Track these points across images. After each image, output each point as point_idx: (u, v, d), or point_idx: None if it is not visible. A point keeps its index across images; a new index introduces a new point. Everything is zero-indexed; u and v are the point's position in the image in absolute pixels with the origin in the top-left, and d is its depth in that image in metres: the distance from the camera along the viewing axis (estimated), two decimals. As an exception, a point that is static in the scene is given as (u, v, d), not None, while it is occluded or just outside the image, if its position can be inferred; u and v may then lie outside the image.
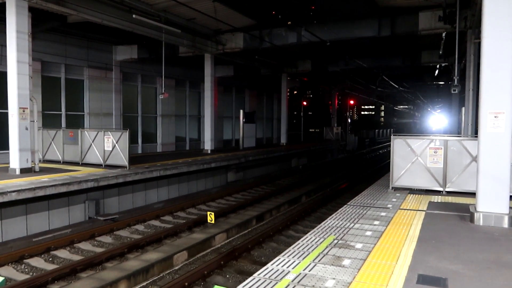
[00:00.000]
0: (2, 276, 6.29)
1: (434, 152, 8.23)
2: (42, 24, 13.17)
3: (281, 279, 3.86)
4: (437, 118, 53.78)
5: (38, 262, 7.31)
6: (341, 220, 6.14)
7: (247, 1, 13.54)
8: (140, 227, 9.79)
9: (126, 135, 11.79)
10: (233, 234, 9.38)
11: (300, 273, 3.99)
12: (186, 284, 6.22)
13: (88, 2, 11.49)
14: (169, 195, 13.37)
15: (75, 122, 16.27)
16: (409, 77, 30.16)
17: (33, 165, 10.87)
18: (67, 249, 8.06)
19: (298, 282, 3.79)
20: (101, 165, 12.25)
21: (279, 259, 4.43)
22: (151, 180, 12.39)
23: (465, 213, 6.29)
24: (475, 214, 5.86)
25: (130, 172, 11.33)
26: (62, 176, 10.32)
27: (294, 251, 4.68)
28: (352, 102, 43.55)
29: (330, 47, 16.67)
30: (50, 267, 7.06)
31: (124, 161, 11.89)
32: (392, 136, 8.70)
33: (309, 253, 4.60)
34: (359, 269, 4.10)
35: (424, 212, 6.62)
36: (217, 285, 6.07)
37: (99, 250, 7.99)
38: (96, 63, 17.03)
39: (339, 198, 13.85)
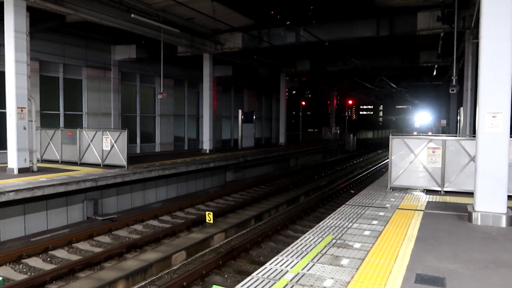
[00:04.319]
0: (0, 276, 6.29)
1: (432, 152, 8.24)
2: (40, 24, 13.14)
3: (279, 278, 3.86)
4: (422, 115, 52.92)
5: (36, 262, 7.30)
6: (339, 220, 6.15)
7: (246, 1, 13.54)
8: (138, 227, 9.78)
9: (124, 135, 11.77)
10: (232, 234, 9.38)
11: (298, 273, 3.99)
12: (185, 284, 6.21)
13: (86, 1, 11.47)
14: (167, 195, 13.36)
15: (74, 122, 16.25)
16: (407, 77, 30.21)
17: (31, 165, 10.85)
18: (65, 249, 8.05)
19: (297, 281, 3.79)
20: (100, 165, 12.23)
21: (278, 258, 4.43)
22: (150, 180, 12.38)
23: (463, 213, 6.30)
24: (473, 213, 5.87)
25: (129, 172, 11.32)
26: (60, 176, 10.31)
27: (293, 251, 4.68)
28: (350, 102, 43.66)
29: (329, 47, 16.69)
30: (48, 267, 7.05)
31: (123, 161, 11.87)
32: (390, 136, 8.71)
33: (307, 253, 4.60)
34: (357, 269, 4.10)
35: (422, 212, 6.63)
36: (216, 285, 6.08)
37: (98, 250, 7.98)
38: (95, 62, 17.01)
39: (337, 198, 13.85)
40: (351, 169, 22.06)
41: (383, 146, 38.08)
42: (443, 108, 32.22)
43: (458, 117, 15.64)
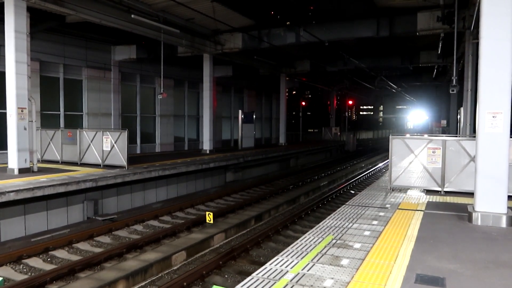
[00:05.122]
0: (0, 276, 6.29)
1: (433, 152, 8.23)
2: (40, 24, 13.16)
3: (279, 279, 3.86)
4: (417, 114, 51.74)
5: (36, 262, 7.30)
6: (339, 220, 6.15)
7: (246, 1, 13.55)
8: (138, 227, 9.78)
9: (124, 135, 11.78)
10: (232, 234, 9.38)
11: (298, 273, 4.00)
12: (185, 284, 6.22)
13: (86, 2, 11.48)
14: (167, 195, 13.36)
15: (74, 122, 16.26)
16: (407, 77, 30.22)
17: (32, 165, 10.86)
18: (66, 249, 8.05)
19: (297, 282, 3.79)
20: (100, 165, 12.23)
21: (278, 259, 4.44)
22: (150, 180, 12.38)
23: (463, 213, 6.30)
24: (473, 214, 5.87)
25: (129, 172, 11.32)
26: (60, 176, 10.31)
27: (293, 251, 4.68)
28: (350, 102, 43.66)
29: (329, 47, 16.70)
30: (48, 267, 7.05)
31: (123, 161, 11.87)
32: (390, 136, 8.71)
33: (307, 253, 4.60)
34: (357, 269, 4.10)
35: (422, 212, 6.63)
36: (216, 285, 6.08)
37: (98, 250, 7.98)
38: (95, 63, 17.02)
39: (337, 198, 13.85)
40: (351, 169, 22.06)
41: (383, 146, 37.99)
42: (443, 108, 32.20)
43: (458, 117, 15.65)
